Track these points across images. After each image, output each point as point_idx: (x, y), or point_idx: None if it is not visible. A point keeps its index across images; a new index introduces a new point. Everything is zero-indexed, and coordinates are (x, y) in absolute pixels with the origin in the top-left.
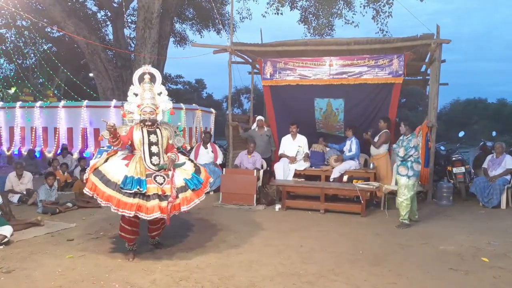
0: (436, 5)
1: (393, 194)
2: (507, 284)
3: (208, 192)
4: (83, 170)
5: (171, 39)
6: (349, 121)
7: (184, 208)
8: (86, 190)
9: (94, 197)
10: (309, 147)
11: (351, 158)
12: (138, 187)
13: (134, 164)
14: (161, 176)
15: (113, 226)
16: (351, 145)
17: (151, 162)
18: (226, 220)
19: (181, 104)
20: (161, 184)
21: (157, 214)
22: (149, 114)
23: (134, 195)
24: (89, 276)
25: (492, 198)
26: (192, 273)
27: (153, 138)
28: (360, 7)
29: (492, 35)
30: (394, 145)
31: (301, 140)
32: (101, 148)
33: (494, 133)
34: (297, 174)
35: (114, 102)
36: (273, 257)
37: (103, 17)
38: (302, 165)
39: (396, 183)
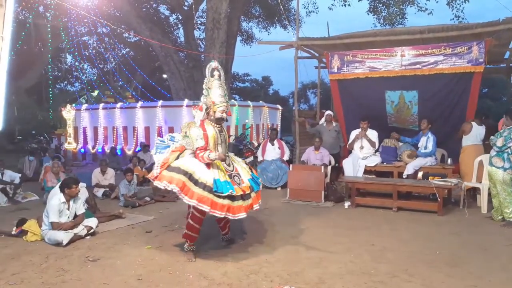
0: None
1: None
2: None
3: (275, 188)
4: None
5: (238, 38)
6: (424, 114)
7: (256, 207)
8: (171, 186)
9: (181, 195)
10: (380, 142)
11: (427, 155)
12: (231, 190)
13: (216, 166)
14: (236, 176)
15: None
16: (427, 142)
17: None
18: (294, 216)
19: (249, 101)
20: (239, 184)
21: (243, 215)
22: (224, 113)
23: (224, 196)
24: (166, 266)
25: None
26: (261, 267)
27: (222, 136)
28: None
29: None
30: (492, 137)
31: (372, 134)
32: (158, 144)
33: None
34: (367, 171)
35: (186, 101)
36: (342, 255)
37: (174, 20)
38: (373, 161)
39: (490, 179)
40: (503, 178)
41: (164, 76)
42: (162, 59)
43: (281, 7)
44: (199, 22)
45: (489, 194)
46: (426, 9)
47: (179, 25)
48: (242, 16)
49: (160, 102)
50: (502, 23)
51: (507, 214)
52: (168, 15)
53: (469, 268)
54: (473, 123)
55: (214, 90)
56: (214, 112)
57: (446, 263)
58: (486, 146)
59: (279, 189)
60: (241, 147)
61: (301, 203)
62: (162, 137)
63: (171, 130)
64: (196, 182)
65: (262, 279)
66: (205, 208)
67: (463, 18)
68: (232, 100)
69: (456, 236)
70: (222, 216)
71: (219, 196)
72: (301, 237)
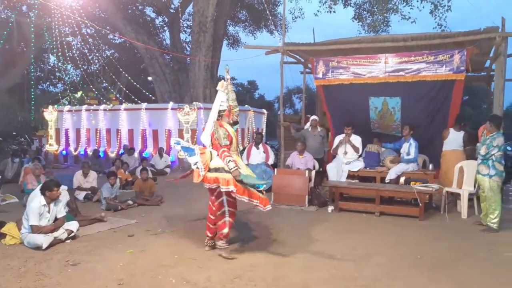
0: None
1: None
2: None
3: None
4: (144, 170)
5: (225, 42)
6: (407, 120)
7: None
8: (225, 188)
9: (234, 193)
10: (364, 147)
11: (410, 162)
12: (264, 186)
13: (243, 164)
14: None
15: (170, 223)
16: (409, 148)
17: None
18: (278, 221)
19: None
20: None
21: (269, 207)
22: (238, 116)
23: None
24: (148, 270)
25: None
26: (246, 272)
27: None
28: (417, 1)
29: None
30: (478, 144)
31: (356, 140)
32: (183, 147)
33: None
34: (350, 175)
35: (171, 104)
36: (326, 259)
37: (160, 23)
38: (356, 166)
39: (478, 186)
40: (490, 185)
41: (149, 78)
42: (147, 61)
43: (267, 12)
44: (185, 25)
45: (478, 198)
46: (410, 17)
47: (165, 28)
48: (228, 20)
49: (144, 105)
50: (483, 32)
51: (490, 220)
52: (154, 18)
53: (451, 273)
54: (451, 129)
55: (231, 94)
56: (232, 115)
57: (428, 267)
58: (470, 152)
59: (263, 193)
60: None
61: (285, 207)
62: (146, 140)
63: (155, 133)
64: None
65: (246, 284)
66: (255, 202)
67: (445, 27)
68: None
69: (437, 241)
70: (267, 209)
71: (259, 191)
72: (285, 241)
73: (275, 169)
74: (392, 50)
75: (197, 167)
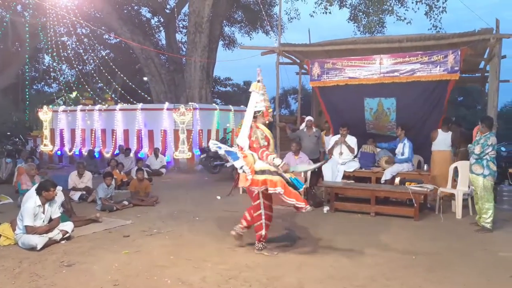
0: None
1: (449, 198)
2: None
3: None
4: (140, 170)
5: (220, 42)
6: (402, 121)
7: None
8: (272, 189)
9: (281, 195)
10: (359, 148)
11: (404, 161)
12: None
13: None
14: None
15: (165, 224)
16: (404, 148)
17: None
18: (273, 221)
19: (230, 106)
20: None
21: (309, 207)
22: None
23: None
24: (143, 271)
25: None
26: (241, 272)
27: None
28: (413, 3)
29: None
30: (470, 145)
31: (351, 140)
32: (227, 151)
33: None
34: (346, 176)
35: (167, 104)
36: (322, 259)
37: (156, 23)
38: (351, 166)
39: (472, 185)
40: (483, 185)
41: (145, 78)
42: (143, 61)
43: (263, 13)
44: (181, 25)
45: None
46: (405, 18)
47: (161, 28)
48: (224, 21)
49: (140, 105)
50: (477, 34)
51: (484, 220)
52: (149, 18)
53: (446, 273)
54: (439, 130)
55: (266, 96)
56: (267, 116)
57: (423, 267)
58: (465, 153)
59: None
60: None
61: (281, 207)
62: (141, 140)
63: (150, 133)
64: (287, 182)
65: (241, 284)
66: (301, 205)
67: (440, 28)
68: (214, 104)
69: (432, 241)
70: (308, 210)
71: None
72: (281, 242)
73: None
74: (387, 51)
75: (243, 171)
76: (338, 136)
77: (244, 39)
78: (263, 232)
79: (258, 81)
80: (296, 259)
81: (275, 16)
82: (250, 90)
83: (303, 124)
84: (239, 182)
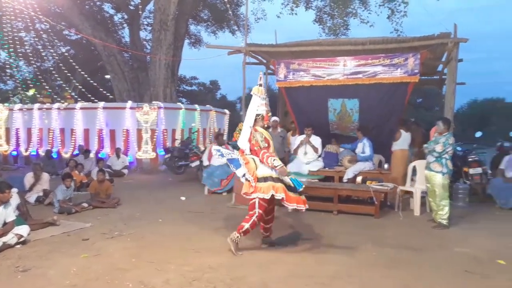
0: (454, 4)
1: (407, 195)
2: None
3: (221, 193)
4: (101, 171)
5: (186, 41)
6: (364, 121)
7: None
8: (277, 195)
9: (283, 200)
10: (323, 148)
11: (366, 159)
12: (302, 186)
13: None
14: None
15: (127, 226)
16: (364, 148)
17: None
18: (238, 221)
19: (196, 105)
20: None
21: (307, 206)
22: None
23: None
24: (103, 275)
25: (509, 199)
26: (204, 273)
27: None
28: (376, 6)
29: None
30: (425, 145)
31: (315, 140)
32: (229, 159)
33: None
34: (311, 175)
35: (130, 103)
36: (286, 258)
37: (119, 20)
38: (316, 166)
39: (428, 183)
40: (442, 182)
41: (107, 76)
42: (105, 58)
43: (230, 12)
44: (145, 22)
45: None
46: (368, 21)
47: (124, 25)
48: (190, 19)
49: (101, 104)
50: (436, 38)
51: (440, 216)
52: (113, 14)
53: (405, 269)
54: (401, 131)
55: (266, 100)
56: (267, 120)
57: (383, 264)
58: (420, 153)
59: (225, 194)
60: (187, 151)
61: (246, 207)
62: (102, 140)
63: (112, 133)
64: (289, 187)
65: (205, 285)
66: (301, 207)
67: (401, 32)
68: (179, 103)
69: (392, 238)
70: (304, 209)
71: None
72: (245, 241)
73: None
74: (350, 53)
75: (246, 179)
76: (304, 136)
77: (210, 38)
78: (247, 225)
79: (260, 85)
80: (260, 259)
81: (241, 16)
82: (251, 93)
83: None
84: (243, 189)
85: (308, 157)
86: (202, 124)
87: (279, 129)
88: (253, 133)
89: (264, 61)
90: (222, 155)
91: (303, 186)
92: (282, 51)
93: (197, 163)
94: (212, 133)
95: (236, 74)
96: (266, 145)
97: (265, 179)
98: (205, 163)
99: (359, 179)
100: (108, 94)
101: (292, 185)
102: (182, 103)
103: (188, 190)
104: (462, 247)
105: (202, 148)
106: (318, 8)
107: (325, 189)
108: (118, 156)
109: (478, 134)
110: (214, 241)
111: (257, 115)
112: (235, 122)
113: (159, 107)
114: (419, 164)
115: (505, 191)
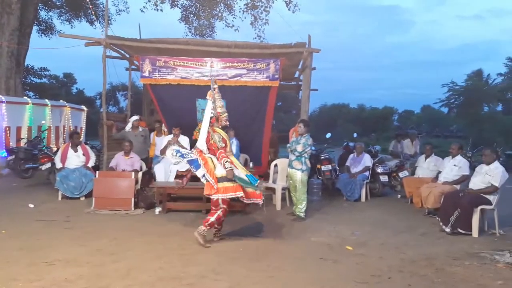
0: (307, 16)
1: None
2: (368, 267)
3: (78, 198)
4: None
5: (35, 28)
6: (231, 122)
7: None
8: (236, 193)
9: (242, 197)
10: (192, 147)
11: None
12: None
13: (239, 164)
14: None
15: None
16: (231, 146)
17: None
18: (100, 228)
19: (46, 100)
20: None
21: (263, 199)
22: (227, 121)
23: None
24: None
25: (354, 192)
26: (61, 287)
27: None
28: (240, 12)
29: (357, 46)
30: (288, 144)
31: (184, 140)
32: (189, 160)
33: (355, 135)
34: (178, 175)
35: None
36: (153, 262)
37: None
38: (184, 166)
39: (291, 179)
40: (301, 179)
41: None
42: None
43: (87, 0)
44: None
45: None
46: (233, 25)
47: None
48: (40, 4)
49: None
50: (293, 47)
51: (299, 210)
52: None
53: (268, 261)
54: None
55: (218, 102)
56: (221, 121)
57: (248, 258)
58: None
59: (82, 198)
60: (35, 152)
61: (108, 212)
62: None
63: None
64: (245, 183)
65: None
66: (258, 201)
67: (264, 38)
68: (25, 98)
69: (256, 232)
70: (260, 203)
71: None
72: (107, 249)
73: (97, 172)
74: (217, 55)
75: (207, 180)
76: (171, 136)
77: (65, 27)
78: (212, 218)
79: (214, 89)
80: (125, 266)
81: (101, 5)
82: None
83: (129, 125)
84: (204, 190)
85: (176, 158)
86: (54, 122)
87: (140, 128)
88: (211, 134)
89: (128, 56)
90: (182, 156)
91: (258, 181)
92: (147, 46)
93: (48, 165)
94: (67, 132)
95: (95, 68)
96: (224, 145)
97: (223, 178)
98: (58, 165)
99: None
100: None
101: (248, 180)
102: (30, 97)
103: (38, 196)
104: (318, 236)
105: (55, 149)
106: (184, 7)
107: (194, 189)
108: None
109: (328, 135)
110: (71, 251)
111: (211, 117)
112: (94, 119)
113: (1, 101)
114: (280, 162)
115: (351, 185)
